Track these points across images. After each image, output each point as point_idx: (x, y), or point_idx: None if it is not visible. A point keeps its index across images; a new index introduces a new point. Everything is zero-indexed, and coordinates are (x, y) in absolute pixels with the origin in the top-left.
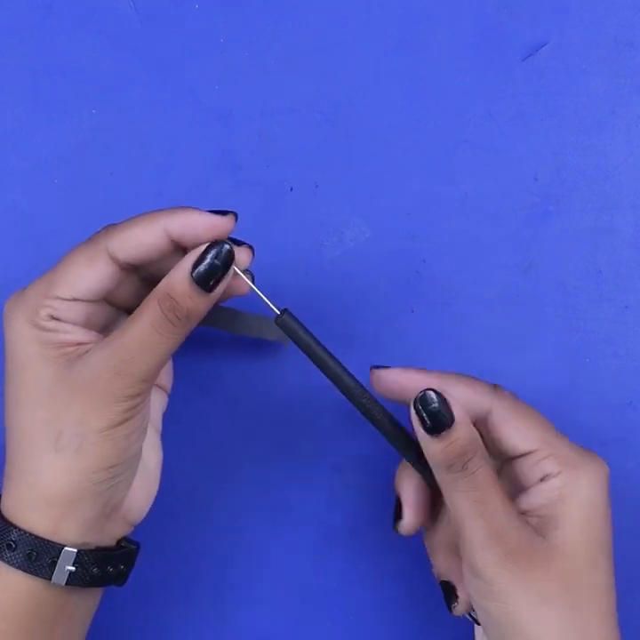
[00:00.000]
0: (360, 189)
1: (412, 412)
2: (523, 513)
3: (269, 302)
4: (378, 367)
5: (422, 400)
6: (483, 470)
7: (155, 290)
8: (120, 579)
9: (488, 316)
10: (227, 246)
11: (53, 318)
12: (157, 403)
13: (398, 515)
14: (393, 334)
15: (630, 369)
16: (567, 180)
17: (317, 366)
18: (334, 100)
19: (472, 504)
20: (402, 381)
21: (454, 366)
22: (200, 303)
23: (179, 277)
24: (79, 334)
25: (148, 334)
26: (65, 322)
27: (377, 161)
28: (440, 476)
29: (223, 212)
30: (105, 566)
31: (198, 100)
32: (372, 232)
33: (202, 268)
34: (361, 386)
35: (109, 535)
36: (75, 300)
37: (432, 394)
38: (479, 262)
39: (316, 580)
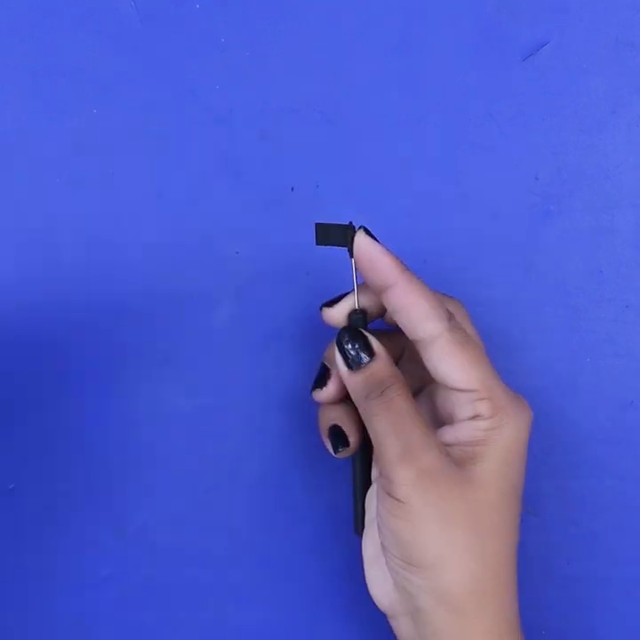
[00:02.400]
0: (360, 189)
1: (336, 349)
2: (446, 444)
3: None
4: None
5: (343, 337)
6: (400, 399)
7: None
8: None
9: (488, 315)
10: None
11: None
12: None
13: (320, 383)
14: None
15: (631, 369)
16: (568, 179)
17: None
18: (334, 100)
19: (389, 425)
20: (379, 268)
21: None
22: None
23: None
24: None
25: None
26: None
27: (377, 161)
28: (361, 407)
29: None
30: None
31: (198, 100)
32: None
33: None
34: None
35: None
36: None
37: (352, 332)
38: (479, 262)
39: (316, 580)
